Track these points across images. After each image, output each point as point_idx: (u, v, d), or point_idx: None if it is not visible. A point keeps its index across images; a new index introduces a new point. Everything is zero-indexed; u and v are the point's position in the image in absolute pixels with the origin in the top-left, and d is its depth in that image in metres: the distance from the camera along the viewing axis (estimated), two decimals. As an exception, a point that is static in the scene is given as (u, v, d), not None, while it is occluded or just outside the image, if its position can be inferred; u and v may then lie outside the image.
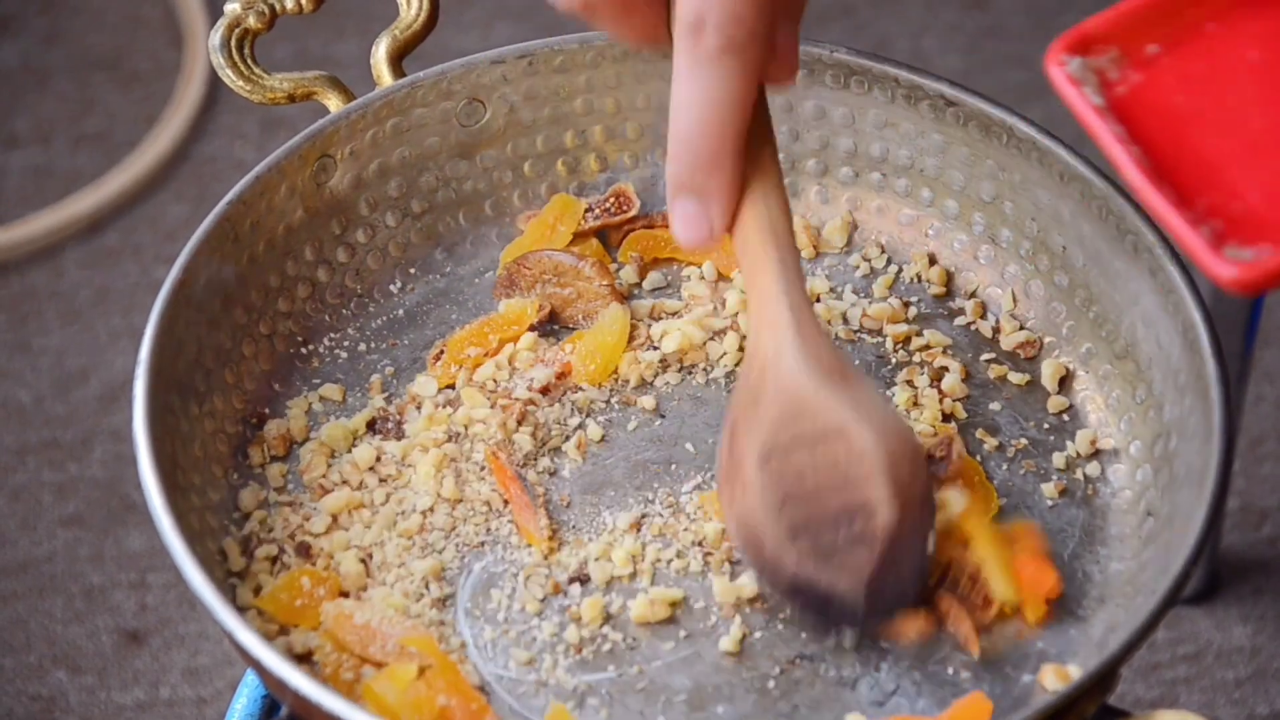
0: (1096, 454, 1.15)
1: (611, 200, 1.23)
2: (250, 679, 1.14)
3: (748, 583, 1.07)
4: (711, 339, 1.17)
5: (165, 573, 1.67)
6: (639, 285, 1.20)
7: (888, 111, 1.21)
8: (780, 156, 1.23)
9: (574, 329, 1.16)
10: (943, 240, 1.22)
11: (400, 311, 1.21)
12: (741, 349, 1.15)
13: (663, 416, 1.14)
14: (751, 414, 1.03)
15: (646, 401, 1.15)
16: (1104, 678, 1.01)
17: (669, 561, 1.10)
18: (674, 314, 1.18)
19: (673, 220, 1.03)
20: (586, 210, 1.22)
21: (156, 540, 1.04)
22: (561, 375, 1.14)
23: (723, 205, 1.02)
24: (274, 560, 1.09)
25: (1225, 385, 1.08)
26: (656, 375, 1.15)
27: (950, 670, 1.06)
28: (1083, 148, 1.15)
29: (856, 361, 1.17)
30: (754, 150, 1.03)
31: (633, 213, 1.22)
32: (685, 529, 1.10)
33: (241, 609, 1.07)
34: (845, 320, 1.19)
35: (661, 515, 1.11)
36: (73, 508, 1.73)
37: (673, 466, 1.13)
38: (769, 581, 1.05)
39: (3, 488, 1.74)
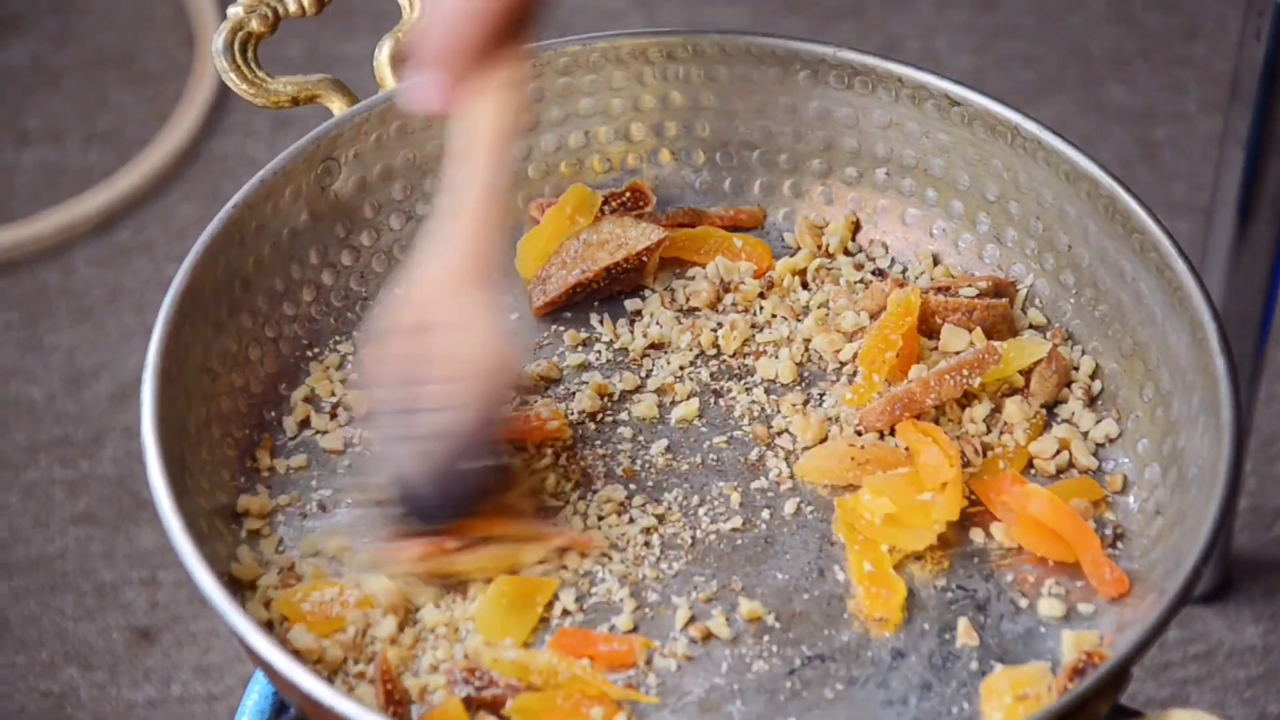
0: (1104, 452, 1.14)
1: (628, 194, 1.23)
2: (261, 676, 1.14)
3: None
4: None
5: (176, 570, 1.68)
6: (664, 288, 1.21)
7: (892, 111, 1.21)
8: (784, 156, 1.24)
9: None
10: (948, 240, 1.22)
11: (405, 313, 1.21)
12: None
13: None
14: (406, 292, 1.09)
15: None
16: (1116, 677, 1.00)
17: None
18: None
19: (410, 88, 1.07)
20: (603, 202, 1.22)
21: (167, 537, 1.04)
22: None
23: (458, 83, 1.06)
24: (290, 567, 1.10)
25: (1234, 383, 1.07)
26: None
27: (962, 670, 1.06)
28: (1090, 147, 1.15)
29: (856, 362, 1.18)
30: (506, 48, 1.06)
31: (649, 208, 1.22)
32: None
33: (250, 610, 1.07)
34: (843, 322, 1.19)
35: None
36: (84, 505, 1.73)
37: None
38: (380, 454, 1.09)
39: (15, 485, 1.74)
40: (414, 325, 1.07)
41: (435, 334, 1.07)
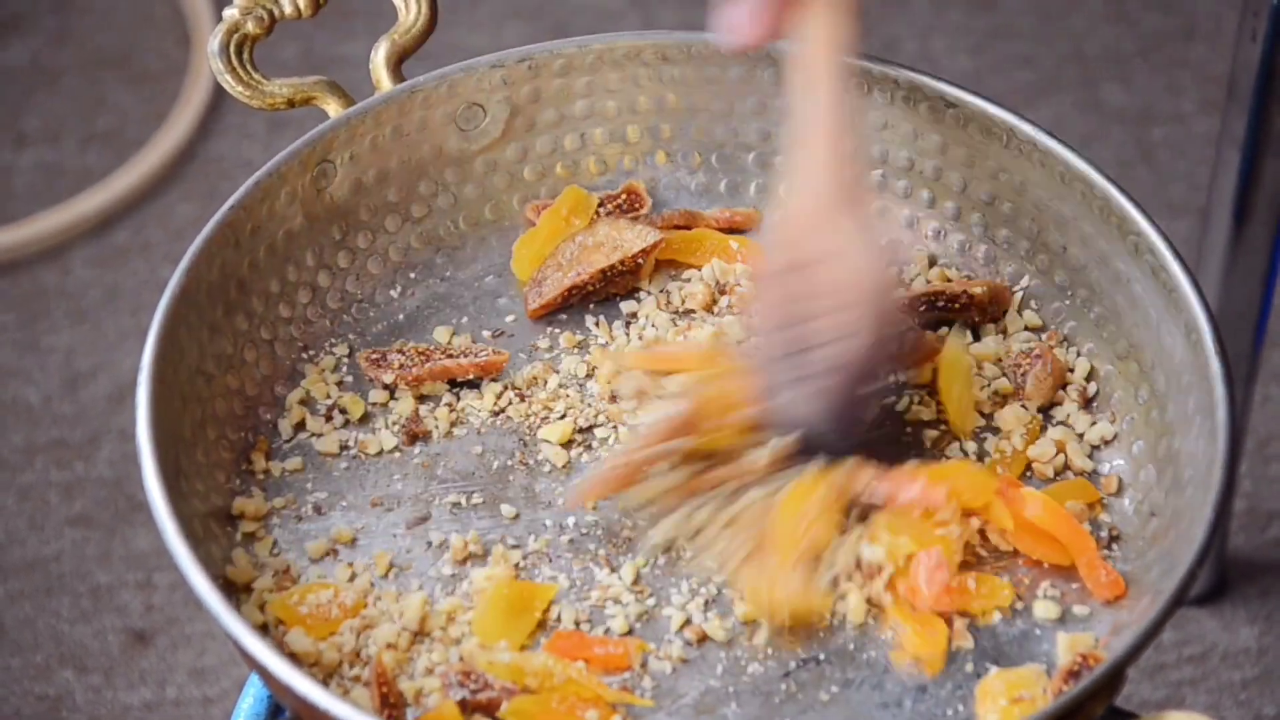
0: (1099, 454, 1.14)
1: (624, 196, 1.23)
2: (257, 679, 1.14)
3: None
4: None
5: (172, 572, 1.68)
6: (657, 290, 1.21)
7: (887, 113, 1.21)
8: (779, 159, 1.24)
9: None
10: (942, 241, 1.22)
11: (401, 316, 1.21)
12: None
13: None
14: (775, 234, 1.08)
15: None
16: (1111, 679, 1.01)
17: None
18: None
19: (725, 20, 1.06)
20: (599, 204, 1.22)
21: (163, 540, 1.04)
22: None
23: (780, 10, 1.05)
24: (285, 570, 1.10)
25: (1229, 384, 1.08)
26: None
27: (956, 672, 1.06)
28: (1086, 147, 1.15)
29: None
30: None
31: (645, 210, 1.22)
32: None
33: (245, 614, 1.07)
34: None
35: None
36: (80, 507, 1.73)
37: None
38: (771, 405, 1.08)
39: (10, 487, 1.74)
40: (789, 265, 1.07)
41: (813, 269, 1.06)
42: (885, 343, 1.07)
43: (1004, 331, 1.19)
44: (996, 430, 1.14)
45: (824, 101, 1.06)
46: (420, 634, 1.07)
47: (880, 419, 1.09)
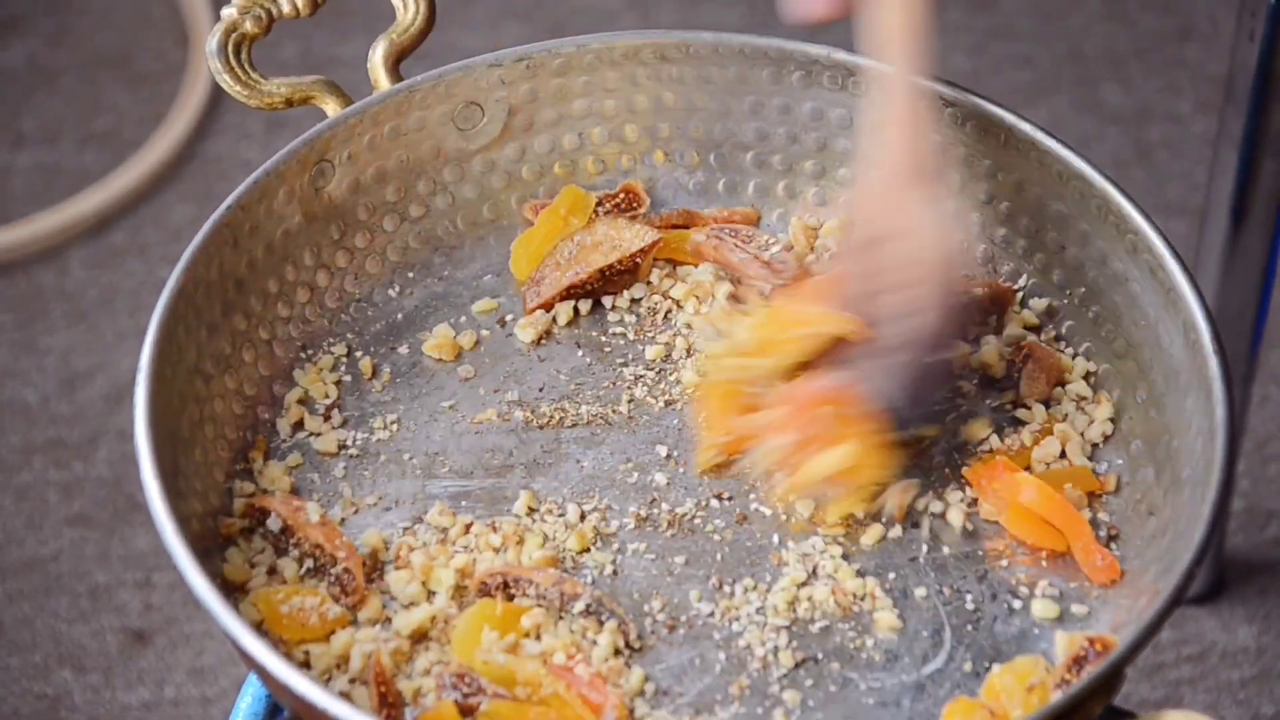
0: (1097, 453, 1.15)
1: (622, 195, 1.23)
2: (255, 678, 1.14)
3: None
4: None
5: (170, 572, 1.67)
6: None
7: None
8: (778, 158, 1.24)
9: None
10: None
11: (399, 316, 1.21)
12: None
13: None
14: (853, 209, 1.10)
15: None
16: (1109, 678, 1.01)
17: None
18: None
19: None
20: (597, 204, 1.22)
21: (161, 540, 1.04)
22: None
23: None
24: (273, 570, 1.10)
25: (1227, 384, 1.08)
26: None
27: (955, 671, 1.06)
28: (1084, 147, 1.15)
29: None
30: None
31: (643, 209, 1.22)
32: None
33: (244, 612, 1.07)
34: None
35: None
36: (78, 507, 1.73)
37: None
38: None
39: (8, 487, 1.74)
40: (864, 241, 1.09)
41: (885, 245, 1.08)
42: (953, 315, 1.09)
43: (1000, 331, 1.19)
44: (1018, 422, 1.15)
45: (898, 75, 1.07)
46: (418, 635, 1.07)
47: (951, 389, 1.12)
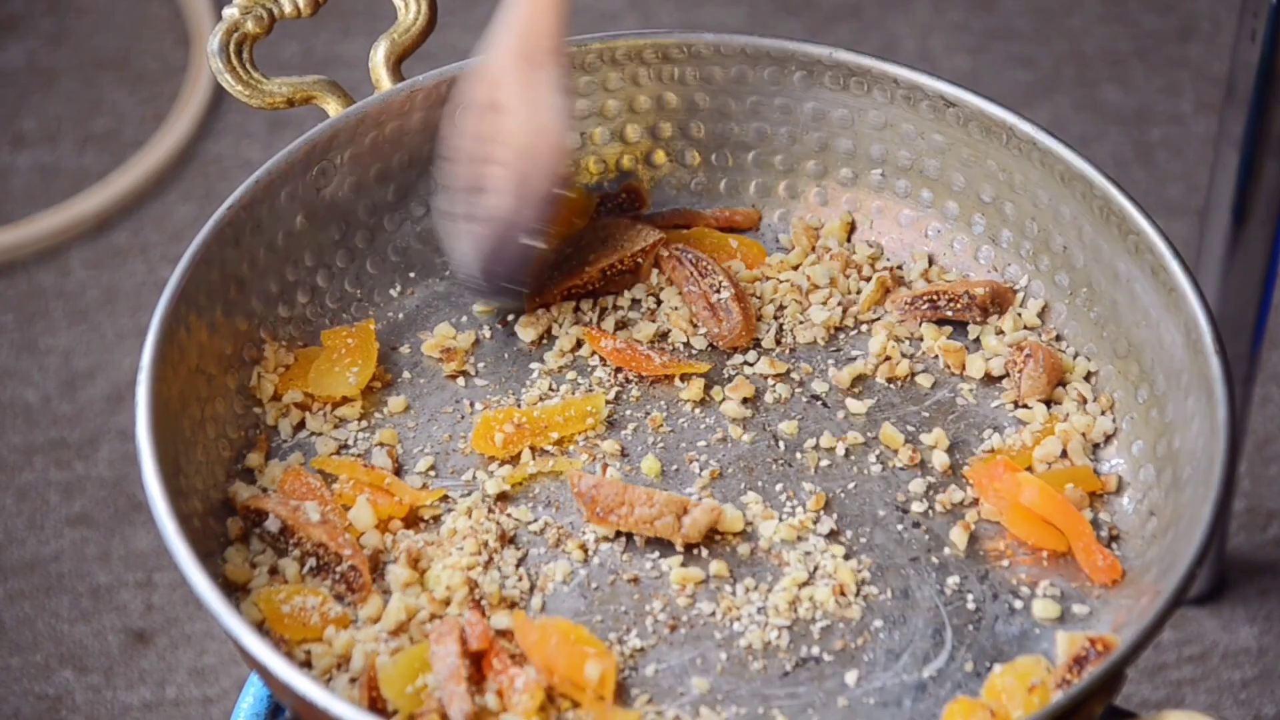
0: (1099, 453, 1.15)
1: (623, 195, 1.23)
2: (257, 678, 1.14)
3: (698, 571, 1.09)
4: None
5: (171, 572, 1.67)
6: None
7: (887, 112, 1.21)
8: (779, 158, 1.24)
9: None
10: (942, 241, 1.22)
11: (400, 315, 1.21)
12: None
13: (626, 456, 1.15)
14: (478, 69, 1.12)
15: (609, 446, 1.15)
16: (1110, 678, 1.01)
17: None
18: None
19: None
20: (599, 203, 1.22)
21: (163, 539, 1.04)
22: None
23: None
24: (274, 570, 1.10)
25: (1229, 384, 1.08)
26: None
27: (956, 671, 1.06)
28: (1085, 148, 1.15)
29: (855, 358, 1.18)
30: None
31: (645, 209, 1.22)
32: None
33: (245, 612, 1.07)
34: (840, 322, 1.19)
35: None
36: (79, 507, 1.73)
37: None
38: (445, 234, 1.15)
39: (10, 487, 1.74)
40: (483, 102, 1.10)
41: (500, 114, 1.09)
42: (538, 205, 1.11)
43: (1002, 332, 1.19)
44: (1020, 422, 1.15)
45: None
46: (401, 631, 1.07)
47: (523, 272, 1.14)
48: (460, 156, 1.11)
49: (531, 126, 1.08)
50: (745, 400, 1.16)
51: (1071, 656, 1.04)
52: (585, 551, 1.10)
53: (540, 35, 1.08)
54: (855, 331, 1.19)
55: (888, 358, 1.17)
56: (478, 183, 1.10)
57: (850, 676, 1.06)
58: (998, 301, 1.19)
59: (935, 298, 1.18)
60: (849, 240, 1.23)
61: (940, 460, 1.13)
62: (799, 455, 1.14)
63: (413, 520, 1.12)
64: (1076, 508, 1.10)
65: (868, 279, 1.20)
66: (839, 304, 1.20)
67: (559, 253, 1.16)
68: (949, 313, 1.19)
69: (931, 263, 1.22)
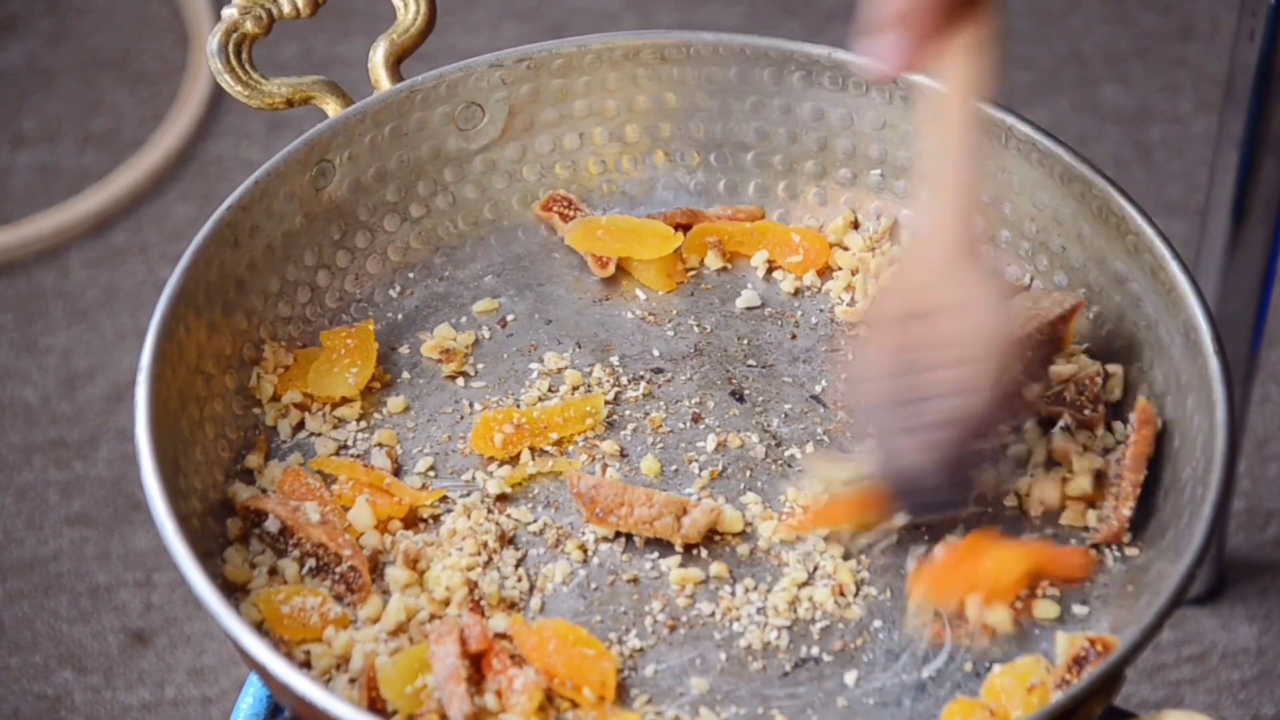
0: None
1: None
2: (256, 678, 1.14)
3: (698, 571, 1.09)
4: None
5: (171, 572, 1.67)
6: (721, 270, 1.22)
7: (886, 112, 1.21)
8: (778, 158, 1.24)
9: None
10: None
11: (400, 316, 1.21)
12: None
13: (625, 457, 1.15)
14: (896, 279, 1.07)
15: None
16: (1110, 679, 1.00)
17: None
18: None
19: (868, 50, 1.04)
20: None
21: (162, 539, 1.04)
22: None
23: (921, 45, 1.04)
24: (274, 571, 1.10)
25: (1228, 384, 1.08)
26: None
27: (956, 671, 1.06)
28: (1085, 148, 1.15)
29: (854, 362, 1.18)
30: (969, 6, 1.05)
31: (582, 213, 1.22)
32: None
33: (244, 612, 1.07)
34: (837, 322, 1.19)
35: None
36: (79, 507, 1.73)
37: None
38: (869, 451, 1.08)
39: (9, 487, 1.74)
40: (910, 313, 1.05)
41: (935, 318, 1.05)
42: (1003, 400, 1.06)
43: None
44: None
45: (956, 146, 1.05)
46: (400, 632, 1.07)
47: (978, 474, 1.08)
48: (884, 373, 1.05)
49: (975, 323, 1.04)
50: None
51: (1071, 656, 1.04)
52: (585, 552, 1.10)
53: (970, 227, 1.05)
54: (855, 333, 1.19)
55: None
56: (915, 394, 1.05)
57: (850, 676, 1.06)
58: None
59: None
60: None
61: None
62: (799, 456, 1.14)
63: (412, 521, 1.12)
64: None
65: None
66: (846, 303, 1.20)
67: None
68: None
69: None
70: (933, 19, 1.02)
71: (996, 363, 1.05)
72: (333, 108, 1.20)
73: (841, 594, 1.08)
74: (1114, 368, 1.15)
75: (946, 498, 1.07)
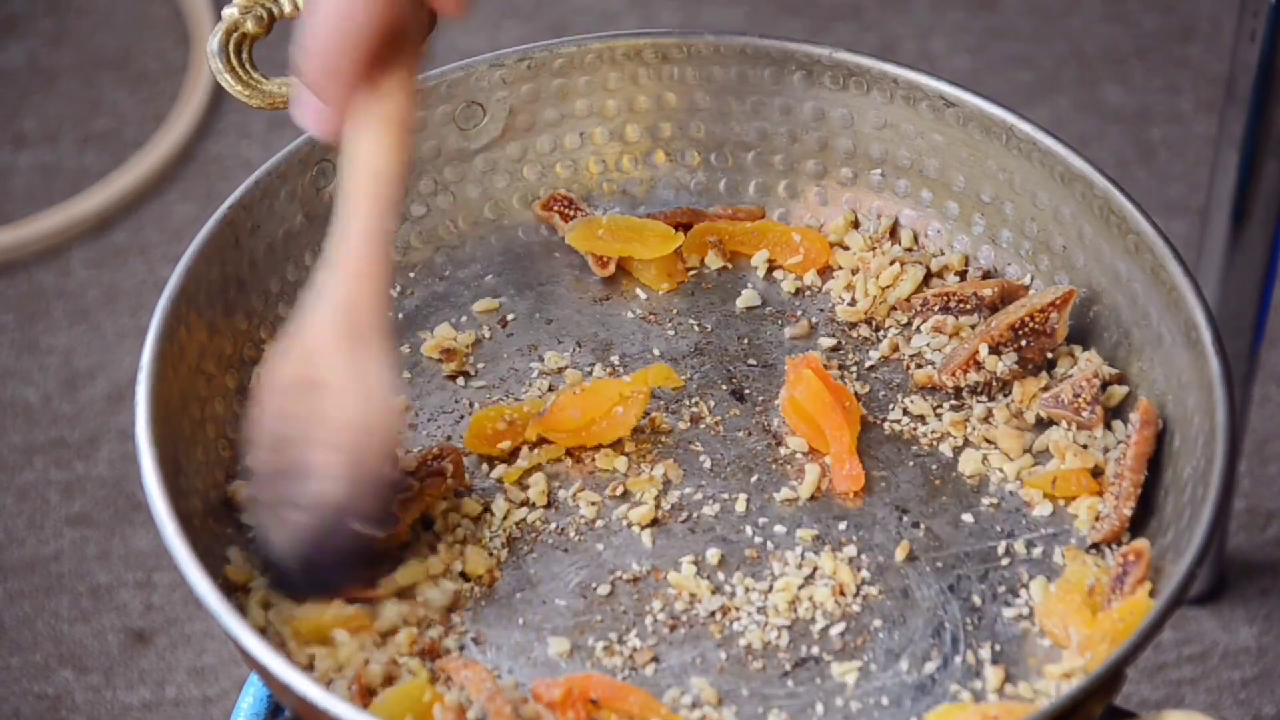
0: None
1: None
2: (256, 678, 1.14)
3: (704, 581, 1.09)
4: None
5: (171, 572, 1.68)
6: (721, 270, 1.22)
7: (887, 112, 1.21)
8: (779, 157, 1.24)
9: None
10: (943, 241, 1.22)
11: (400, 315, 1.21)
12: None
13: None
14: (289, 342, 1.04)
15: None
16: (1110, 678, 1.00)
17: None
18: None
19: (298, 107, 1.04)
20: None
21: (162, 539, 1.04)
22: None
23: (338, 113, 1.02)
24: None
25: (1228, 384, 1.08)
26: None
27: (956, 670, 1.06)
28: (1085, 147, 1.15)
29: (856, 359, 1.17)
30: (387, 76, 1.02)
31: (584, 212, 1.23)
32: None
33: (245, 613, 1.07)
34: (837, 321, 1.19)
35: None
36: (79, 507, 1.73)
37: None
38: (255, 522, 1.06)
39: (10, 487, 1.74)
40: (297, 381, 1.03)
41: (317, 393, 1.02)
42: (371, 495, 1.02)
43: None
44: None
45: (358, 223, 1.02)
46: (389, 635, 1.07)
47: (345, 565, 1.04)
48: (267, 439, 1.02)
49: (363, 405, 1.01)
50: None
51: (1112, 577, 1.05)
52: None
53: (364, 311, 1.01)
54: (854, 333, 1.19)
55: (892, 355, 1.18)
56: (293, 467, 1.01)
57: (850, 677, 1.06)
58: (1007, 300, 1.18)
59: (946, 299, 1.18)
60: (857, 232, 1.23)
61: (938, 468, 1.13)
62: (798, 454, 1.14)
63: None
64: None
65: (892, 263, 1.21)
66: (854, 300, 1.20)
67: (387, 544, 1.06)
68: (958, 314, 1.18)
69: (933, 264, 1.22)
70: (344, 89, 0.99)
71: (358, 458, 1.01)
72: (333, 107, 1.20)
73: (841, 594, 1.08)
74: (1112, 370, 1.15)
75: (307, 581, 1.04)
